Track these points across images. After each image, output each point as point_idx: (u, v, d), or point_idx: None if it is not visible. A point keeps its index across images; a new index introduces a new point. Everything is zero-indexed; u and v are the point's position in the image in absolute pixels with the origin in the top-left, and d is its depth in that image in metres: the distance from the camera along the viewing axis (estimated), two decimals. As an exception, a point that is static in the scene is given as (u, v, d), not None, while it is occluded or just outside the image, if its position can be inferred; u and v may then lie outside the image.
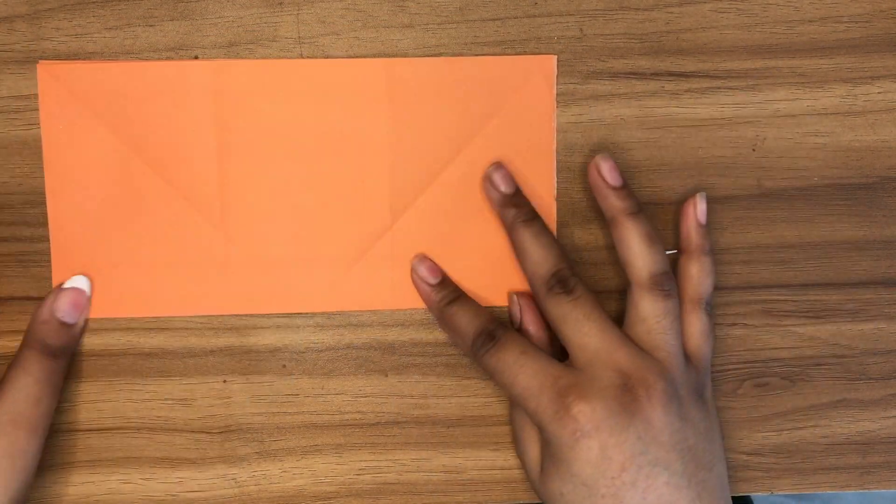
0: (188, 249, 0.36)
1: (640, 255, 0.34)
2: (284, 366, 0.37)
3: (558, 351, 0.35)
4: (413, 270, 0.37)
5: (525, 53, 0.36)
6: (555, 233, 0.37)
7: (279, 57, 0.36)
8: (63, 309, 0.35)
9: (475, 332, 0.35)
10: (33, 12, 0.35)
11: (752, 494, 0.39)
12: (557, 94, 0.37)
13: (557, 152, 0.37)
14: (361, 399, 0.37)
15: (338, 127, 0.36)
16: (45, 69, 0.35)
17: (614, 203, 0.35)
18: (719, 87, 0.37)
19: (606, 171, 0.35)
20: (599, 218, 0.37)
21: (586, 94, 0.37)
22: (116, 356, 0.37)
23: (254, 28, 0.36)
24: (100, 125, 0.35)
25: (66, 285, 0.35)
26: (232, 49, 0.36)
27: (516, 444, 0.37)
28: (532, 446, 0.35)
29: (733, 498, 0.35)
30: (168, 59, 0.36)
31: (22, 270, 0.36)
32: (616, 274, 0.38)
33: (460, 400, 0.37)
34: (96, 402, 0.37)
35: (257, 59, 0.36)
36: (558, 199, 0.37)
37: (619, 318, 0.35)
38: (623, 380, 0.32)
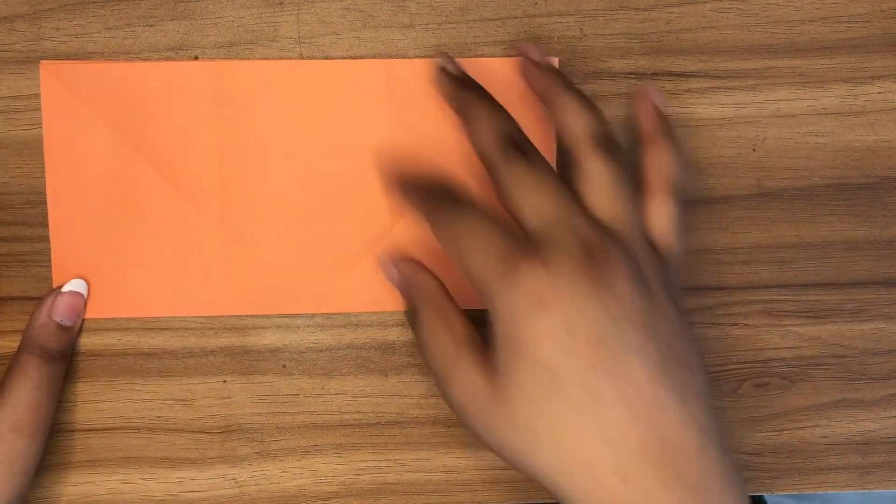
0: (188, 250, 0.36)
1: (580, 114, 0.31)
2: (284, 366, 0.37)
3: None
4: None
5: (525, 53, 0.36)
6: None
7: (279, 57, 0.36)
8: (61, 312, 0.35)
9: (436, 184, 0.32)
10: (33, 12, 0.35)
11: (752, 494, 0.39)
12: (557, 94, 0.37)
13: (557, 152, 0.37)
14: (361, 399, 0.37)
15: (338, 127, 0.36)
16: (47, 69, 0.35)
17: (543, 81, 0.32)
18: (719, 87, 0.37)
19: (531, 51, 0.33)
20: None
21: (586, 94, 0.37)
22: (116, 356, 0.37)
23: (254, 28, 0.36)
24: (101, 125, 0.35)
25: (64, 289, 0.35)
26: (232, 49, 0.36)
27: (445, 383, 0.31)
28: (471, 356, 0.30)
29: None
30: (168, 59, 0.36)
31: (22, 270, 0.36)
32: (616, 274, 0.37)
33: (460, 400, 0.37)
34: (96, 402, 0.37)
35: (257, 59, 0.36)
36: (558, 199, 0.37)
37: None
38: (584, 246, 0.28)
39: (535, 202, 0.29)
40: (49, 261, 0.36)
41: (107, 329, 0.36)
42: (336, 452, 0.37)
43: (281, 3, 0.36)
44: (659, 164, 0.32)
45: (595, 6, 0.36)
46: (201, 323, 0.37)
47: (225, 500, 0.37)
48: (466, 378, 0.30)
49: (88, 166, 0.35)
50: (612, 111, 0.37)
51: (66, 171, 0.35)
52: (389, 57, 0.36)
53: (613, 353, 0.27)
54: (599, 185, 0.30)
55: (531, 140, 0.31)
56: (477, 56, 0.36)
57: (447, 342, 0.31)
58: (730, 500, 0.27)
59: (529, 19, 0.36)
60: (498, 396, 0.28)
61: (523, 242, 0.28)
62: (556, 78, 0.33)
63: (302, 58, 0.36)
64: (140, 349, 0.37)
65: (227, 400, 0.37)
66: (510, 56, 0.36)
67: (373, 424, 0.37)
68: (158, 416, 0.37)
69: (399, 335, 0.37)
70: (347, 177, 0.36)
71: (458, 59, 0.35)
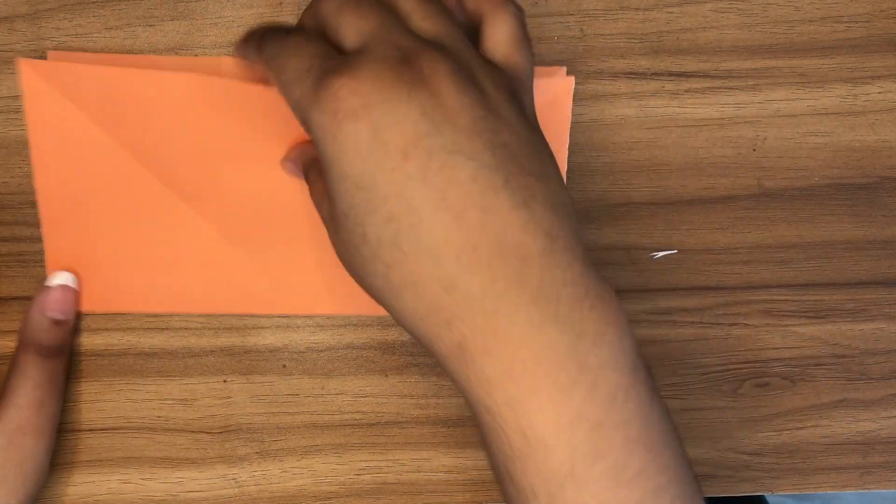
0: (182, 246, 0.36)
1: None
2: (284, 366, 0.37)
3: None
4: None
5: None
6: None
7: (279, 57, 0.36)
8: (53, 308, 0.35)
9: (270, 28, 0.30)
10: (33, 12, 0.35)
11: (752, 494, 0.39)
12: (557, 94, 0.37)
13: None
14: (361, 399, 0.37)
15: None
16: (26, 65, 0.34)
17: None
18: (719, 87, 0.37)
19: None
20: (600, 218, 0.37)
21: (586, 93, 0.37)
22: (116, 356, 0.37)
23: (254, 28, 0.36)
24: (85, 120, 0.35)
25: (52, 283, 0.35)
26: (232, 49, 0.36)
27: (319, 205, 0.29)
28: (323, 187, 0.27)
29: (745, 498, 0.33)
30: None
31: (22, 270, 0.36)
32: (616, 274, 0.37)
33: (460, 400, 0.37)
34: (96, 402, 0.37)
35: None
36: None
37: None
38: (400, 52, 0.25)
39: (358, 23, 0.26)
40: (49, 261, 0.36)
41: (107, 329, 0.36)
42: (336, 452, 0.37)
43: (281, 3, 0.36)
44: None
45: (595, 6, 0.36)
46: (201, 323, 0.37)
47: (225, 500, 0.37)
48: (323, 211, 0.29)
49: (75, 161, 0.35)
50: (613, 111, 0.37)
51: (53, 166, 0.35)
52: (389, 57, 0.36)
53: (432, 156, 0.24)
54: (415, 5, 0.27)
55: None
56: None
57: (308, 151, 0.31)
58: (592, 306, 0.25)
59: (529, 19, 0.36)
60: (334, 226, 0.27)
61: (342, 59, 0.26)
62: None
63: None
64: (140, 349, 0.37)
65: (227, 400, 0.37)
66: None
67: (373, 424, 0.37)
68: (158, 416, 0.37)
69: (399, 335, 0.37)
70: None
71: None
